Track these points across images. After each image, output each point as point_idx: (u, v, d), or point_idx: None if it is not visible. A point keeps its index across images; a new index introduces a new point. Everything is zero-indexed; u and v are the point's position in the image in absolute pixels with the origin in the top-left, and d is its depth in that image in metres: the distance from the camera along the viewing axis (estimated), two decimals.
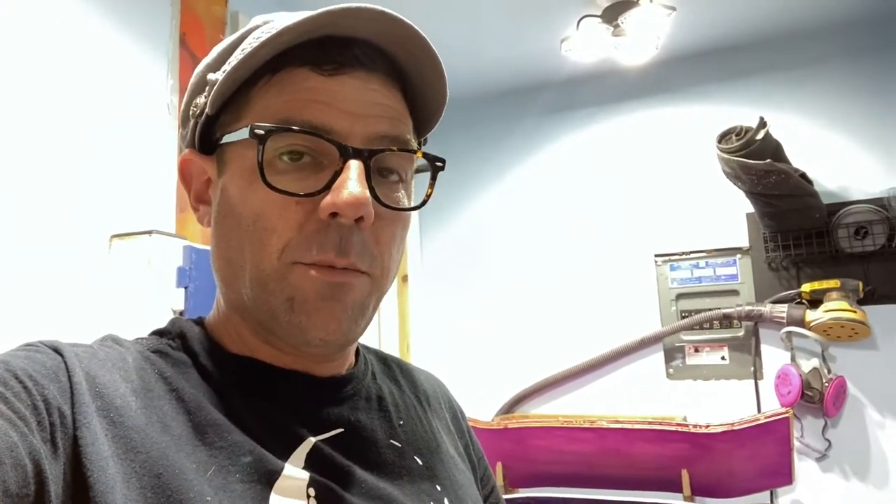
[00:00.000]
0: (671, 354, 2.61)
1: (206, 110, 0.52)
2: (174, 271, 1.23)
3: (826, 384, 2.28)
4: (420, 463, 0.57)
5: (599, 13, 2.26)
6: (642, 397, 2.58)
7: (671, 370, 2.60)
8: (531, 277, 2.86)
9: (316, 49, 0.49)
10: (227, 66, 0.50)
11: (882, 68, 2.23)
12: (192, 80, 0.55)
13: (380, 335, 2.55)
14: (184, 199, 1.59)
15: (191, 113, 0.54)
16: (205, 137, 0.53)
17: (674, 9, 2.17)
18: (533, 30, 2.45)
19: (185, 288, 1.22)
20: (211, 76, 0.51)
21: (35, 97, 1.32)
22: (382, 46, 0.51)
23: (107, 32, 1.53)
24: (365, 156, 0.48)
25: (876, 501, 2.26)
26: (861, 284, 2.28)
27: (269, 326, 0.50)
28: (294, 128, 0.47)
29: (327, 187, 0.47)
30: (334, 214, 0.47)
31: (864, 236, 2.31)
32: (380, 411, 0.58)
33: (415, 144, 0.52)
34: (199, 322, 0.55)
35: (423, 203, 0.53)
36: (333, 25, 0.48)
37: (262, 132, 0.47)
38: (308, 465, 0.48)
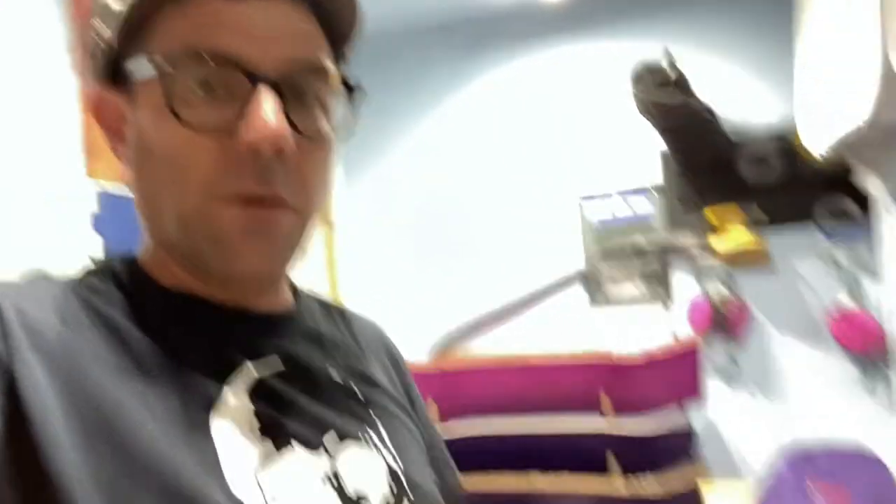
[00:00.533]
0: (593, 286, 2.72)
1: (112, 43, 0.49)
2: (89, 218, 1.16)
3: (732, 309, 2.45)
4: (359, 396, 0.57)
5: None
6: (567, 326, 2.67)
7: (593, 299, 2.71)
8: (461, 218, 2.88)
9: None
10: None
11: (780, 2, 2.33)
12: (96, 9, 0.51)
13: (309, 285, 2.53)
14: (91, 142, 1.50)
15: (95, 45, 0.51)
16: (113, 71, 0.51)
17: None
18: None
19: (102, 235, 1.16)
20: (115, 6, 0.48)
21: None
22: None
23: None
24: (278, 81, 0.46)
25: (779, 414, 2.47)
26: (759, 211, 2.43)
27: (196, 262, 0.50)
28: (201, 54, 0.45)
29: (240, 116, 0.46)
30: (253, 148, 0.45)
31: (763, 167, 2.45)
32: (319, 348, 0.58)
33: (331, 67, 0.51)
34: (131, 259, 0.54)
35: (346, 132, 0.53)
36: None
37: (162, 61, 0.46)
38: (252, 397, 0.49)
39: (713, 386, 2.49)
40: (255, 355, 0.51)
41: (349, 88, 0.52)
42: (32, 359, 0.42)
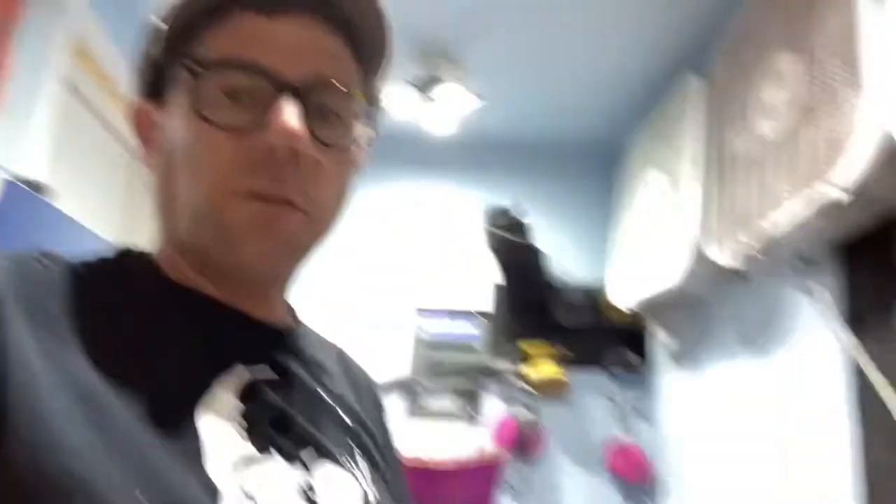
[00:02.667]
0: (412, 396, 2.86)
1: (155, 57, 0.53)
2: None
3: (532, 431, 2.75)
4: (345, 421, 0.58)
5: (413, 80, 2.53)
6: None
7: (411, 410, 2.85)
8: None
9: None
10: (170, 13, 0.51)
11: (604, 186, 2.92)
12: (146, 30, 0.55)
13: None
14: None
15: (142, 61, 0.55)
16: (153, 84, 0.54)
17: (480, 95, 2.56)
18: None
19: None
20: (159, 25, 0.52)
21: None
22: None
23: None
24: (301, 90, 0.49)
25: None
26: (566, 351, 2.84)
27: (204, 257, 0.51)
28: (230, 60, 0.48)
29: (262, 121, 0.47)
30: (270, 149, 0.47)
31: (574, 314, 2.90)
32: (312, 370, 0.59)
33: (355, 86, 0.53)
34: (144, 252, 0.56)
35: (362, 144, 0.55)
36: None
37: (196, 67, 0.49)
38: (241, 397, 0.49)
39: (503, 501, 2.70)
40: (248, 360, 0.51)
41: (372, 106, 0.55)
42: (25, 330, 0.41)
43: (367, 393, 0.69)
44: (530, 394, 2.79)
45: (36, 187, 1.33)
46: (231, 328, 0.52)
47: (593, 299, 2.87)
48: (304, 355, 0.59)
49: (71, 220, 1.33)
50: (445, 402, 2.88)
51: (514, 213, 2.70)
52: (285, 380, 0.54)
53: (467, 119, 2.73)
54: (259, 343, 0.54)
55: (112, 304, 0.47)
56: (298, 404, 0.53)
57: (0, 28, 1.52)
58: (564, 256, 3.01)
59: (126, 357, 0.44)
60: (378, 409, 0.69)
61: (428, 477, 2.36)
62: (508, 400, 2.84)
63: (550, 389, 2.80)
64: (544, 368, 2.79)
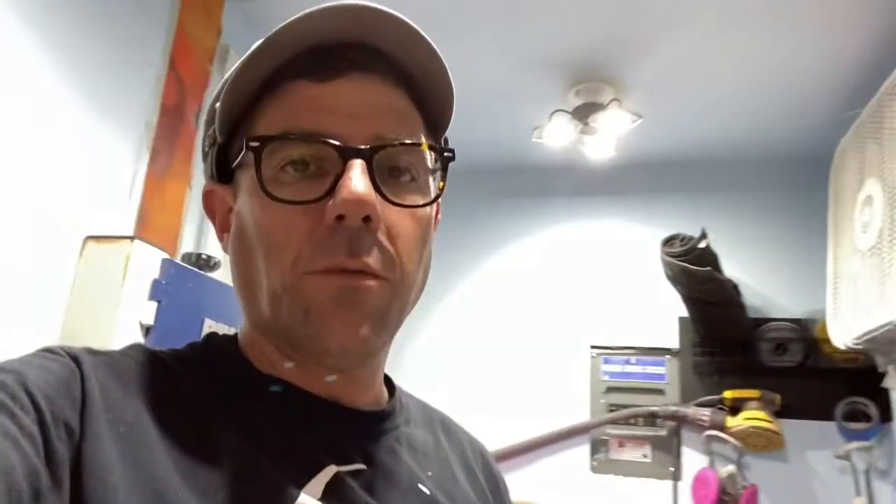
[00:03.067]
0: (596, 447, 2.63)
1: (217, 139, 0.52)
2: (149, 283, 1.14)
3: (740, 490, 2.36)
4: None
5: (570, 110, 2.40)
6: (566, 488, 2.57)
7: (595, 463, 2.62)
8: (474, 355, 2.84)
9: (309, 59, 0.48)
10: (226, 92, 0.49)
11: (810, 204, 2.46)
12: (207, 113, 0.55)
13: None
14: (147, 212, 1.51)
15: (206, 145, 0.55)
16: (221, 166, 0.53)
17: (640, 116, 2.34)
18: (509, 115, 2.56)
19: (158, 302, 1.13)
20: (217, 105, 0.51)
21: (23, 94, 1.24)
22: (379, 47, 0.49)
23: (96, 41, 1.47)
24: (367, 154, 0.46)
25: None
26: (778, 397, 2.42)
27: (289, 341, 0.49)
28: (290, 136, 0.46)
29: (331, 191, 0.45)
30: (340, 218, 0.45)
31: (783, 352, 2.48)
32: (409, 457, 0.55)
33: (423, 141, 0.50)
34: (233, 338, 0.54)
35: (436, 198, 0.51)
36: (322, 31, 0.47)
37: (255, 143, 0.47)
38: (326, 494, 0.45)
39: None
40: (341, 458, 0.48)
41: (440, 154, 0.51)
42: (107, 437, 0.40)
43: (476, 465, 0.64)
44: (734, 446, 2.41)
45: (206, 262, 1.45)
46: (322, 424, 0.50)
47: (805, 335, 2.42)
48: (401, 438, 0.56)
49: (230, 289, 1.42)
50: (633, 455, 2.60)
51: (694, 238, 2.38)
52: (374, 470, 0.50)
53: (627, 141, 2.51)
54: (350, 436, 0.51)
55: (197, 403, 0.47)
56: (389, 499, 0.49)
57: (186, 112, 1.71)
58: (763, 285, 2.60)
59: (208, 465, 0.43)
60: (492, 482, 0.64)
61: None
62: (708, 452, 2.48)
63: (759, 442, 2.39)
64: (751, 416, 2.40)
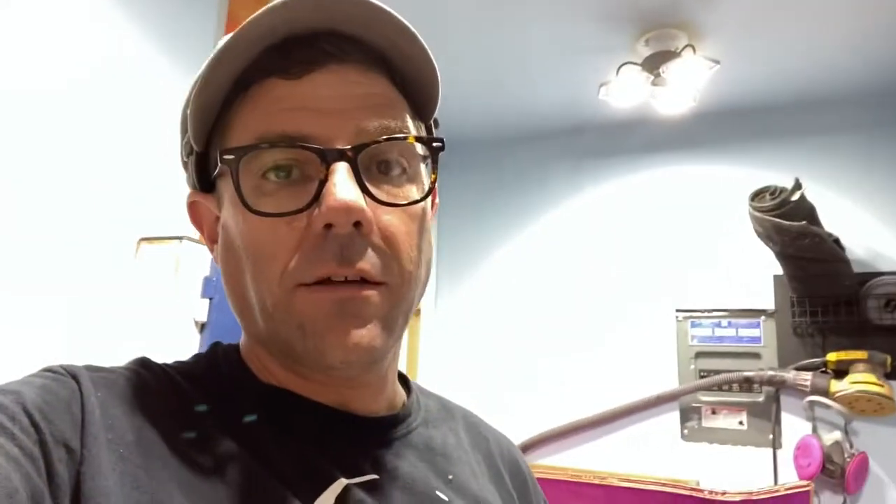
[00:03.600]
0: (687, 414, 2.52)
1: (194, 147, 0.49)
2: (200, 280, 1.17)
3: (848, 459, 2.20)
4: None
5: (640, 61, 2.25)
6: (655, 457, 2.49)
7: (686, 431, 2.51)
8: (551, 323, 2.79)
9: (278, 54, 0.45)
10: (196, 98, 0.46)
11: None
12: (183, 121, 0.51)
13: None
14: None
15: (184, 154, 0.52)
16: (202, 175, 0.51)
17: (717, 62, 2.16)
18: (573, 72, 2.43)
19: (210, 299, 1.15)
20: (189, 110, 0.47)
21: (71, 100, 1.28)
22: (352, 33, 0.46)
23: (149, 42, 1.50)
24: (349, 155, 0.43)
25: None
26: (889, 358, 2.21)
27: (289, 355, 0.47)
28: (262, 145, 0.43)
29: (316, 198, 0.43)
30: (329, 226, 0.42)
31: (893, 309, 2.25)
32: (427, 461, 0.52)
33: (411, 128, 0.48)
34: (236, 348, 0.53)
35: (429, 192, 0.48)
36: (290, 22, 0.44)
37: (230, 156, 0.43)
38: None
39: None
40: (351, 471, 0.46)
41: (428, 145, 0.48)
42: (106, 459, 0.39)
43: (501, 463, 0.61)
44: (839, 411, 2.23)
45: None
46: (331, 435, 0.48)
47: None
48: (417, 441, 0.53)
49: None
50: (728, 422, 2.47)
51: (787, 189, 2.19)
52: (387, 480, 0.48)
53: (706, 89, 2.32)
54: (361, 445, 0.49)
55: (200, 419, 0.45)
56: None
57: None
58: (870, 236, 2.36)
59: (212, 484, 0.42)
60: (519, 479, 0.61)
61: None
62: (811, 419, 2.32)
63: (868, 407, 2.20)
64: (858, 379, 2.21)
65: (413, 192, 0.47)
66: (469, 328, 2.92)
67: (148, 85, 1.48)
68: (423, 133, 0.51)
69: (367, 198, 0.43)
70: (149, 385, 0.46)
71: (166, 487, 0.40)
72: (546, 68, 2.42)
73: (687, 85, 2.26)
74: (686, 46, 2.16)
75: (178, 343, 1.09)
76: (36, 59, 1.22)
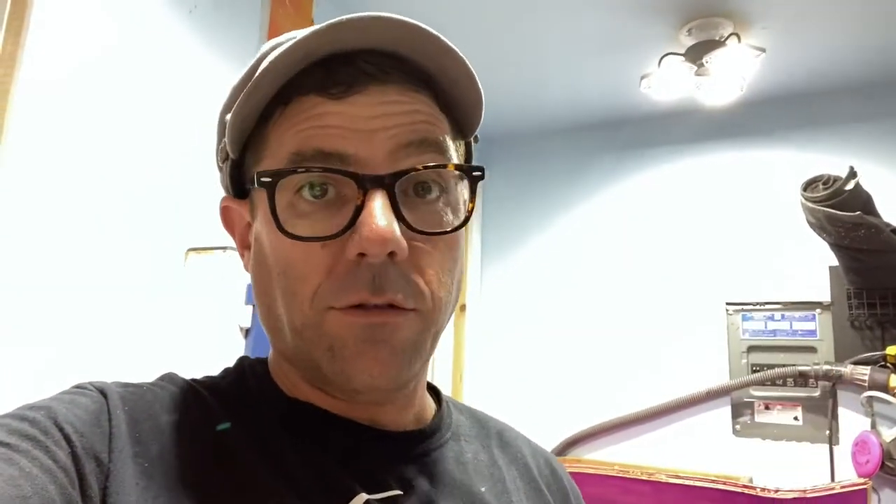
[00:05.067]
0: (739, 410, 2.47)
1: (230, 154, 0.49)
2: (244, 288, 1.23)
3: None
4: None
5: (683, 52, 2.20)
6: (705, 452, 2.45)
7: (738, 426, 2.46)
8: (596, 316, 2.77)
9: (321, 72, 0.45)
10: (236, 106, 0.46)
11: None
12: (218, 123, 0.51)
13: (432, 364, 2.52)
14: None
15: (219, 159, 0.52)
16: (236, 181, 0.51)
17: (763, 50, 2.10)
18: (613, 65, 2.41)
19: (253, 306, 1.21)
20: (227, 117, 0.47)
21: (121, 110, 1.35)
22: (394, 52, 0.46)
23: (196, 49, 1.56)
24: (386, 182, 0.43)
25: None
26: None
27: (317, 375, 0.47)
28: (299, 169, 0.43)
29: (351, 224, 0.42)
30: (363, 254, 0.42)
31: None
32: (456, 476, 0.51)
33: (451, 148, 0.47)
34: (264, 362, 0.53)
35: (465, 221, 0.47)
36: (334, 43, 0.44)
37: (267, 179, 0.43)
38: None
39: None
40: (374, 486, 0.46)
41: (468, 174, 0.47)
42: (131, 473, 0.40)
43: (538, 477, 0.59)
44: None
45: None
46: (355, 451, 0.48)
47: None
48: (446, 458, 0.52)
49: None
50: (783, 417, 2.41)
51: (840, 178, 2.11)
52: (412, 496, 0.48)
53: (752, 78, 2.25)
54: (386, 460, 0.49)
55: (225, 435, 0.46)
56: None
57: None
58: None
59: (235, 500, 0.43)
60: (559, 493, 0.60)
61: None
62: (869, 415, 2.23)
63: None
64: None
65: (450, 215, 0.47)
66: (514, 321, 2.93)
67: (196, 95, 1.54)
68: (463, 150, 0.51)
69: (402, 225, 0.43)
70: (174, 400, 0.47)
71: (189, 501, 0.40)
72: (587, 61, 2.40)
73: (733, 74, 2.20)
74: (731, 35, 2.11)
75: (225, 348, 1.16)
76: (92, 67, 1.29)
